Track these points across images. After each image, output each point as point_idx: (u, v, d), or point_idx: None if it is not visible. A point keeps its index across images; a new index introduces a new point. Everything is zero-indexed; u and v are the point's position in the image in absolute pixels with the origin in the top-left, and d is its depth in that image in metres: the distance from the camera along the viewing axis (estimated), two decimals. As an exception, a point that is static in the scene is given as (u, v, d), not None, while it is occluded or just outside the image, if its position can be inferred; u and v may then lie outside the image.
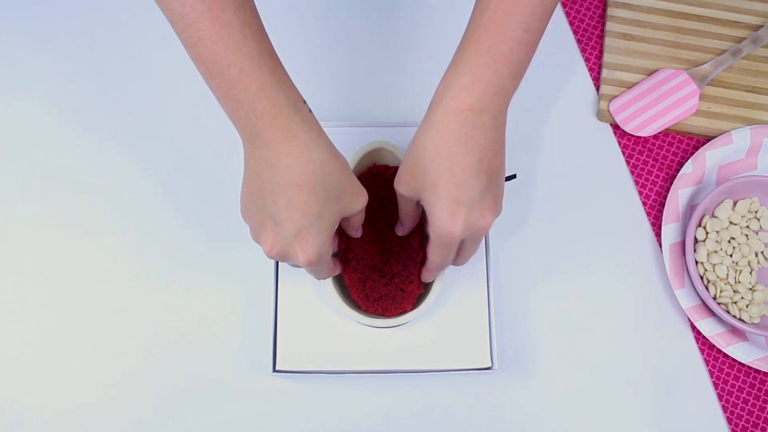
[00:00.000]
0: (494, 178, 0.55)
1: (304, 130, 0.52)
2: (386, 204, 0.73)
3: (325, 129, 0.73)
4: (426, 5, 0.85)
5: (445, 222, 0.54)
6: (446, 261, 0.59)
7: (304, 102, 0.54)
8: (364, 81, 0.82)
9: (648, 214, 0.79)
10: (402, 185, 0.58)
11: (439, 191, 0.54)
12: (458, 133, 0.53)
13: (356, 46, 0.83)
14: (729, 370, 0.74)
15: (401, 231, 0.68)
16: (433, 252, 0.59)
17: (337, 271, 0.66)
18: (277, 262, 0.73)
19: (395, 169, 0.74)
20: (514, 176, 0.76)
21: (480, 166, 0.54)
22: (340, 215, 0.56)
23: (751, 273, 0.75)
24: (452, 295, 0.72)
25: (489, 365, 0.71)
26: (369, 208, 0.73)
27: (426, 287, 0.71)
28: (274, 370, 0.70)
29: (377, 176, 0.74)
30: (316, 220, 0.53)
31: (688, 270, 0.75)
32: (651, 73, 0.82)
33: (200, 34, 0.50)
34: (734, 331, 0.74)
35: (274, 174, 0.52)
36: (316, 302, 0.72)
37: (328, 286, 0.69)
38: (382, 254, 0.72)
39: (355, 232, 0.64)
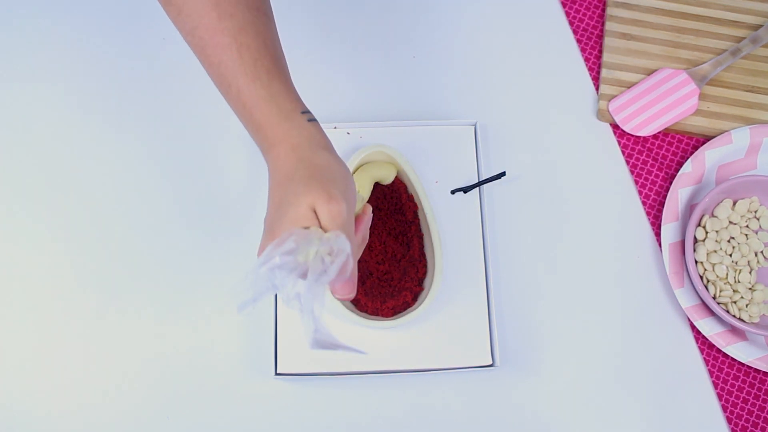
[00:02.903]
0: None
1: (294, 136, 0.55)
2: (385, 214, 0.74)
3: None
4: (425, 5, 0.85)
5: None
6: None
7: (303, 112, 0.56)
8: (361, 81, 0.82)
9: (648, 213, 0.79)
10: None
11: None
12: None
13: (353, 46, 0.83)
14: (729, 370, 0.74)
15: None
16: None
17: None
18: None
19: (398, 180, 0.74)
20: (503, 174, 0.77)
21: None
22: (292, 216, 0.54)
23: (750, 272, 0.75)
24: (452, 294, 0.72)
25: (490, 362, 0.71)
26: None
27: (425, 286, 0.72)
28: (276, 373, 0.70)
29: (375, 188, 0.74)
30: (283, 213, 0.52)
31: (687, 269, 0.75)
32: (650, 72, 0.82)
33: (209, 59, 0.57)
34: (734, 331, 0.74)
35: (271, 176, 0.55)
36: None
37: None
38: (382, 263, 0.72)
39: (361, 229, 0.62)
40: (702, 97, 0.81)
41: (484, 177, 0.77)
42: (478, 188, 0.76)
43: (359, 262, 0.72)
